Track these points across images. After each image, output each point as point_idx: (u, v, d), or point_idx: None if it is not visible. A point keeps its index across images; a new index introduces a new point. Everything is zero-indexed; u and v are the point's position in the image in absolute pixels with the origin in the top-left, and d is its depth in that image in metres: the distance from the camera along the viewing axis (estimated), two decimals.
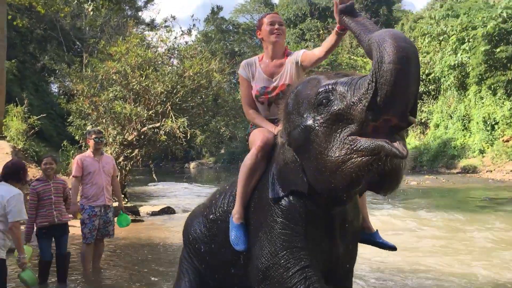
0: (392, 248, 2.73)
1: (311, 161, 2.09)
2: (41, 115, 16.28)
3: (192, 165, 40.45)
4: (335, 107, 1.98)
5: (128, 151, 10.94)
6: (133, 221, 8.75)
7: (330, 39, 2.58)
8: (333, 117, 1.98)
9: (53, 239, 4.79)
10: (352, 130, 1.92)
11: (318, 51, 2.72)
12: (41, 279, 4.58)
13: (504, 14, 16.68)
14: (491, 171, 17.47)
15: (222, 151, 37.26)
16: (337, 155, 1.94)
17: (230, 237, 2.52)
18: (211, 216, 2.87)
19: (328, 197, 2.21)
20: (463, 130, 21.38)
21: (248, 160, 2.58)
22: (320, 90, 2.07)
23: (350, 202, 2.37)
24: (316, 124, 2.04)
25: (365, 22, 2.15)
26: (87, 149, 5.43)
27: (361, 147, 1.87)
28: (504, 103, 18.08)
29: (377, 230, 2.78)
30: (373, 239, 2.73)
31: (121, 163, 10.67)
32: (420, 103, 25.69)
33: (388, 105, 1.81)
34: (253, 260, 2.44)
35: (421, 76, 24.91)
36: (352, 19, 2.22)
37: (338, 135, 1.96)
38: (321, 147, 2.00)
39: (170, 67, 11.43)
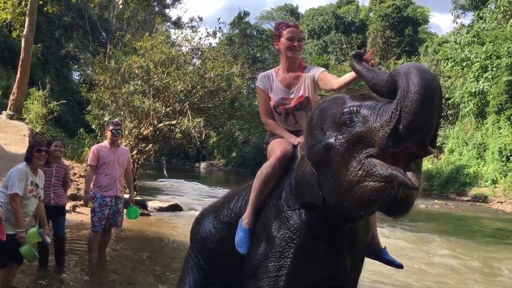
0: (399, 266, 2.77)
1: (328, 177, 2.14)
2: (61, 101, 16.53)
3: (203, 165, 40.62)
4: (357, 129, 2.03)
5: (142, 145, 11.07)
6: (141, 214, 8.86)
7: (348, 77, 2.64)
8: (354, 138, 2.04)
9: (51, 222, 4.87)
10: (371, 153, 1.98)
11: (334, 83, 2.79)
12: (41, 261, 4.65)
13: None
14: (502, 202, 17.27)
15: (234, 154, 37.38)
16: (353, 175, 2.00)
17: (236, 238, 2.60)
18: (223, 218, 2.92)
19: (340, 214, 2.26)
20: (477, 158, 21.18)
21: (266, 169, 2.64)
22: (345, 110, 2.12)
23: (361, 220, 2.42)
24: (338, 143, 2.09)
25: (372, 68, 2.26)
26: (103, 139, 5.54)
27: (376, 172, 1.93)
28: None
29: (385, 246, 2.82)
30: (381, 256, 2.77)
31: (134, 156, 10.79)
32: None
33: (409, 133, 1.86)
34: (247, 260, 2.54)
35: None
36: (360, 63, 2.32)
37: (357, 156, 2.02)
38: (339, 165, 2.06)
39: (192, 67, 11.55)
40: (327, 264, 2.40)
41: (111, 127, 5.33)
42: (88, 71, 14.44)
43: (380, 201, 1.97)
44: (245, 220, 2.63)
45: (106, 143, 5.39)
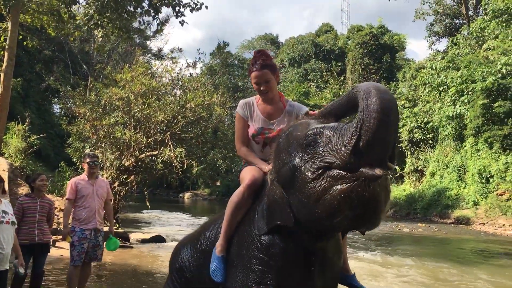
0: None
1: (296, 194, 2.20)
2: (41, 134, 16.40)
3: (187, 195, 40.28)
4: (321, 149, 2.11)
5: (124, 177, 11.01)
6: (123, 247, 8.76)
7: None
8: (318, 156, 2.11)
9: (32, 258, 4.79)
10: (334, 166, 2.05)
11: None
12: None
13: (504, 70, 17.07)
14: (484, 223, 17.44)
15: (218, 183, 37.22)
16: (319, 184, 2.06)
17: (210, 267, 2.61)
18: (199, 247, 2.94)
19: (311, 232, 2.30)
20: (458, 180, 21.47)
21: (235, 197, 2.68)
22: (309, 132, 2.21)
23: (332, 238, 2.46)
24: (303, 162, 2.16)
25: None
26: (83, 172, 5.51)
27: (342, 175, 2.01)
28: (500, 157, 18.25)
29: (354, 273, 2.84)
30: (350, 282, 2.79)
31: (116, 188, 10.72)
32: (417, 151, 25.91)
33: (369, 150, 1.95)
34: None
35: (420, 124, 25.32)
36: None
37: (321, 170, 2.09)
38: (305, 181, 2.12)
39: (172, 97, 11.63)
40: (301, 286, 2.42)
41: (88, 160, 5.32)
42: (69, 104, 14.39)
43: (350, 204, 1.99)
44: (218, 248, 2.64)
45: (84, 176, 5.36)
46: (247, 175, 2.75)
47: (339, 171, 2.02)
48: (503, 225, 16.34)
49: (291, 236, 2.38)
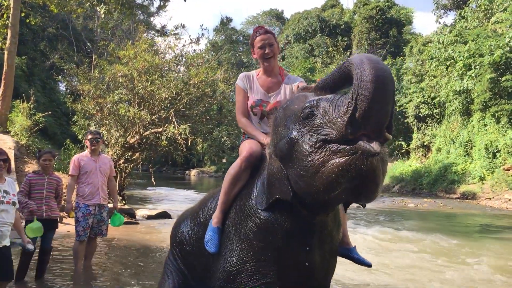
0: (368, 265, 2.82)
1: (294, 168, 2.18)
2: (47, 112, 16.43)
3: (193, 172, 40.54)
4: (318, 121, 2.10)
5: (129, 154, 11.05)
6: (129, 223, 8.85)
7: None
8: (315, 129, 2.10)
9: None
10: (331, 137, 2.03)
11: None
12: (20, 273, 4.57)
13: None
14: (490, 198, 17.44)
15: (224, 160, 37.37)
16: (317, 157, 2.05)
17: (205, 237, 2.64)
18: (199, 220, 2.96)
19: (310, 205, 2.29)
20: (464, 156, 21.40)
21: (233, 169, 2.70)
22: (306, 105, 2.19)
23: (331, 211, 2.45)
24: (300, 135, 2.15)
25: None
26: (87, 149, 5.53)
27: (340, 148, 1.99)
28: (507, 131, 18.13)
29: (355, 246, 2.86)
30: (351, 254, 2.81)
31: (122, 166, 10.78)
32: (423, 126, 25.78)
33: (365, 120, 1.93)
34: (220, 261, 2.54)
35: (427, 99, 25.12)
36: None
37: (319, 143, 2.08)
38: (303, 154, 2.11)
39: (176, 74, 11.58)
40: (299, 260, 2.43)
41: (89, 137, 5.35)
42: (73, 82, 14.38)
43: (348, 176, 1.99)
44: (214, 219, 2.67)
45: (86, 152, 5.40)
46: (245, 147, 2.76)
47: (337, 145, 2.00)
48: (509, 199, 16.34)
49: (290, 211, 2.37)
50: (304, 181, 2.15)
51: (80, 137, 11.89)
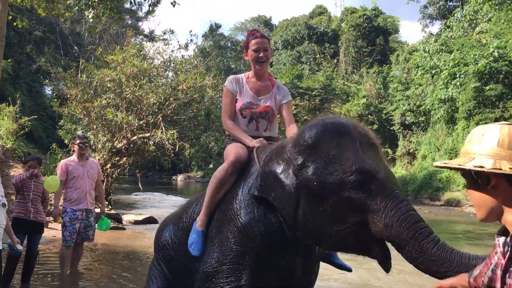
0: (348, 269, 2.89)
1: (314, 209, 2.17)
2: (33, 116, 16.29)
3: (180, 177, 40.35)
4: (368, 202, 2.07)
5: (116, 159, 11.02)
6: (115, 228, 8.81)
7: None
8: (357, 204, 2.09)
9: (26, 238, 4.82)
10: (369, 228, 2.08)
11: (286, 125, 3.02)
12: (6, 279, 4.49)
13: (496, 54, 17.10)
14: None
15: (211, 166, 37.28)
16: (344, 231, 2.12)
17: (189, 240, 2.66)
18: (182, 225, 2.96)
19: (305, 238, 2.35)
20: None
21: (219, 173, 2.68)
22: (357, 170, 2.10)
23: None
24: (341, 197, 2.10)
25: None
26: (74, 153, 5.52)
27: (366, 239, 2.11)
28: None
29: None
30: (331, 259, 2.85)
31: (108, 170, 10.74)
32: (409, 134, 26.05)
33: None
34: (201, 263, 2.57)
35: (412, 107, 25.40)
36: None
37: (354, 217, 2.10)
38: (334, 214, 2.12)
39: (164, 79, 11.59)
40: (280, 266, 2.46)
41: (77, 141, 5.35)
42: (60, 86, 14.29)
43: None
44: (198, 222, 2.67)
45: (74, 157, 5.39)
46: (232, 151, 2.74)
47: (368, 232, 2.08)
48: None
49: (274, 218, 2.40)
50: (318, 234, 2.20)
51: (66, 141, 11.81)
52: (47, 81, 14.42)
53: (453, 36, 23.41)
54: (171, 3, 11.33)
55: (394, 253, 2.09)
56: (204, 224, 2.66)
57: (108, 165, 10.79)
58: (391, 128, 27.31)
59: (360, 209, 2.06)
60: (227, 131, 3.00)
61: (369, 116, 27.97)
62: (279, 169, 2.33)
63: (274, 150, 2.48)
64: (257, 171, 2.51)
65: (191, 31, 26.58)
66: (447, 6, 31.10)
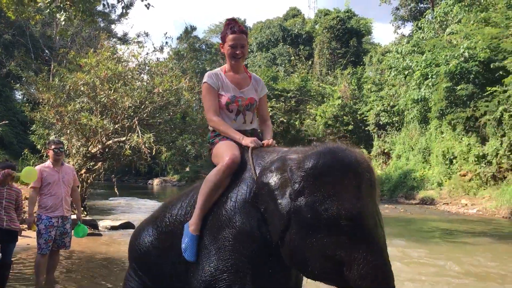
0: None
1: (306, 245, 2.18)
2: (3, 121, 15.90)
3: (156, 181, 39.98)
4: (352, 254, 2.12)
5: (91, 164, 10.83)
6: (91, 235, 8.63)
7: (265, 137, 2.93)
8: (343, 253, 2.13)
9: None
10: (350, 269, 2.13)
11: (261, 121, 3.07)
12: None
13: (466, 54, 17.46)
14: (448, 203, 17.98)
15: (187, 169, 37.03)
16: (325, 271, 2.18)
17: (182, 245, 2.56)
18: (165, 228, 2.83)
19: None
20: (423, 162, 22.03)
21: (214, 176, 2.58)
22: (347, 213, 2.12)
23: None
24: (328, 240, 2.13)
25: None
26: (47, 159, 5.39)
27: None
28: (463, 138, 18.78)
29: None
30: None
31: (83, 176, 10.54)
32: (384, 134, 26.40)
33: None
34: (197, 270, 2.49)
35: (386, 107, 25.77)
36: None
37: (337, 259, 2.15)
38: (320, 251, 2.15)
39: (139, 82, 11.45)
40: (277, 274, 2.44)
41: (52, 146, 5.21)
42: (32, 90, 13.97)
43: None
44: (192, 226, 2.57)
45: (49, 163, 5.25)
46: (227, 152, 2.64)
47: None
48: (466, 204, 16.90)
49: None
50: (304, 264, 2.23)
51: (38, 147, 11.56)
52: (17, 85, 14.11)
53: (424, 38, 23.84)
54: (145, 6, 11.20)
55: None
56: (199, 228, 2.56)
57: (83, 171, 10.59)
58: (366, 128, 27.64)
59: (345, 251, 2.10)
60: (214, 128, 2.88)
61: (344, 117, 28.26)
62: (276, 185, 2.29)
63: (275, 161, 2.40)
64: (251, 178, 2.46)
65: (166, 33, 26.30)
66: (418, 8, 31.68)
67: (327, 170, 2.16)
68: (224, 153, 2.64)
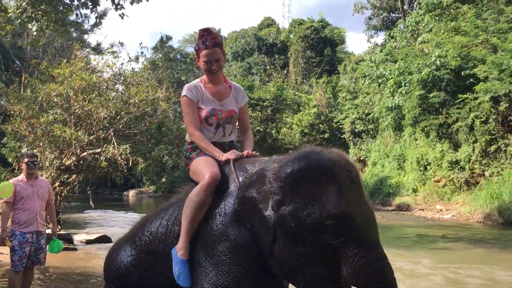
0: None
1: (295, 254, 2.17)
2: None
3: (131, 193, 39.41)
4: (344, 252, 2.11)
5: (65, 176, 10.60)
6: (66, 249, 8.40)
7: (244, 148, 2.89)
8: (330, 255, 2.13)
9: None
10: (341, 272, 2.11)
11: (242, 131, 3.05)
12: None
13: (438, 62, 17.83)
14: (423, 209, 18.24)
15: (163, 179, 36.65)
16: (318, 277, 2.16)
17: (174, 272, 2.48)
18: (145, 247, 2.75)
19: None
20: (398, 169, 22.33)
21: (196, 196, 2.52)
22: (332, 215, 2.10)
23: None
24: (320, 238, 2.11)
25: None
26: (20, 173, 5.23)
27: None
28: (436, 145, 19.12)
29: None
30: None
31: (57, 189, 10.30)
32: (359, 141, 26.70)
33: None
34: None
35: (361, 115, 26.07)
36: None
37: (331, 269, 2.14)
38: (309, 257, 2.14)
39: (115, 93, 11.29)
40: (276, 285, 2.44)
41: (26, 159, 5.04)
42: (2, 102, 13.66)
43: None
44: (180, 251, 2.50)
45: (22, 176, 5.09)
46: (205, 169, 2.59)
47: None
48: (441, 210, 17.18)
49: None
50: (295, 275, 2.21)
51: (10, 160, 11.28)
52: None
53: (397, 46, 24.25)
54: (120, 16, 11.09)
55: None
56: (187, 252, 2.49)
57: (57, 184, 10.35)
58: (341, 136, 27.91)
59: (335, 253, 2.08)
60: (195, 143, 2.83)
61: (320, 125, 28.49)
62: (258, 199, 2.28)
63: (254, 175, 2.39)
64: (236, 190, 2.43)
65: (141, 43, 26.01)
66: (390, 18, 32.27)
67: (303, 175, 2.16)
68: (203, 171, 2.59)
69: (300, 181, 2.16)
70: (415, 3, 26.62)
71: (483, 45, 16.77)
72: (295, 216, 2.12)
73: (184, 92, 2.86)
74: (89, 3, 10.85)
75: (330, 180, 2.13)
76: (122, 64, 11.79)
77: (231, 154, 2.62)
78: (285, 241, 2.16)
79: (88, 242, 9.80)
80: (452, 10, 20.64)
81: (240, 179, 2.45)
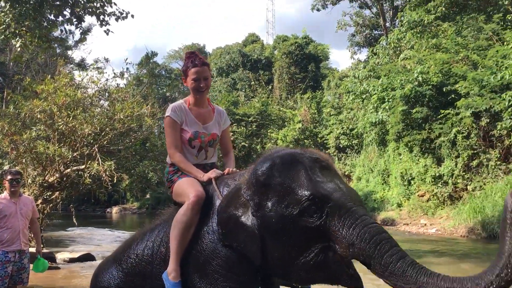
0: None
1: (280, 248, 2.17)
2: None
3: (115, 210, 38.89)
4: (327, 226, 2.10)
5: (48, 194, 10.44)
6: (49, 268, 8.25)
7: (228, 167, 2.86)
8: (319, 232, 2.11)
9: None
10: (332, 248, 2.08)
11: (224, 153, 3.09)
12: None
13: (420, 78, 18.12)
14: (408, 224, 18.33)
15: (148, 196, 36.30)
16: (313, 261, 2.11)
17: None
18: (132, 269, 2.73)
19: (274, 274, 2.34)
20: (382, 184, 22.47)
21: (183, 216, 2.51)
22: (309, 196, 2.13)
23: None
24: (301, 228, 2.10)
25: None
26: (2, 190, 5.14)
27: (336, 267, 2.10)
28: (420, 160, 19.31)
29: None
30: None
31: (40, 206, 10.12)
32: (344, 156, 26.86)
33: None
34: None
35: (346, 130, 26.27)
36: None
37: (319, 245, 2.10)
38: (299, 247, 2.12)
39: (99, 109, 11.22)
40: None
41: (9, 177, 4.97)
42: None
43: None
44: (171, 274, 2.47)
45: (5, 194, 5.01)
46: (189, 189, 2.60)
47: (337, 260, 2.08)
48: (425, 224, 17.28)
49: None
50: (288, 268, 2.18)
51: None
52: None
53: (380, 63, 24.62)
54: (105, 32, 11.10)
55: None
56: (179, 274, 2.46)
57: (39, 201, 10.18)
58: (326, 151, 28.00)
59: (322, 234, 2.06)
60: (176, 164, 2.84)
61: (305, 140, 28.59)
62: (238, 213, 2.30)
63: (230, 193, 2.42)
64: None
65: (126, 59, 25.93)
66: (373, 35, 32.81)
67: (271, 173, 2.23)
68: (187, 191, 2.61)
69: (269, 180, 2.22)
70: (397, 20, 27.10)
71: (464, 62, 17.12)
72: (274, 212, 2.16)
73: (168, 112, 2.88)
74: (74, 20, 10.86)
75: (297, 169, 2.20)
76: (107, 80, 11.74)
77: (211, 173, 2.66)
78: (272, 240, 2.17)
79: (71, 260, 9.64)
80: (433, 27, 21.06)
81: (218, 207, 2.47)
